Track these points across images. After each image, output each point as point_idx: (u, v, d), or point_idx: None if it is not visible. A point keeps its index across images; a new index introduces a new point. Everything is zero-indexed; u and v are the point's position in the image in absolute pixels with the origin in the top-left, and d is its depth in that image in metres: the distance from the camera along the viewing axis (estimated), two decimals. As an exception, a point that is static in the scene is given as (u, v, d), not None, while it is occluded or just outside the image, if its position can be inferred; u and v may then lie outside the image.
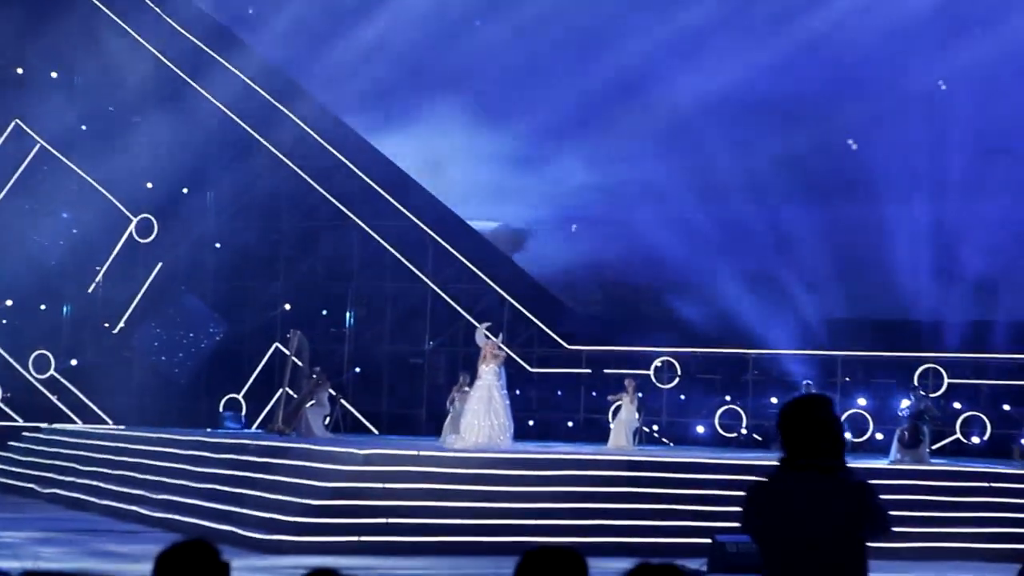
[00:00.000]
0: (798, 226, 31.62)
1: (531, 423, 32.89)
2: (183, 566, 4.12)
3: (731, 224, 32.64)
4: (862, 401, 32.07)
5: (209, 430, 31.41)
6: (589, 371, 34.10)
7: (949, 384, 31.51)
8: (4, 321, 36.65)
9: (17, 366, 36.33)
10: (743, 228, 32.41)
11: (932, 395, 29.99)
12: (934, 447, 27.90)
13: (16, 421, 34.88)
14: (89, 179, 36.46)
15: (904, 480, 23.46)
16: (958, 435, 31.31)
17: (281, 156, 35.42)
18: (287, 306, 36.24)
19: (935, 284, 30.63)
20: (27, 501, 27.72)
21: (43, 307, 36.92)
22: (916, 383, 29.99)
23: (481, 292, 34.77)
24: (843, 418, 31.37)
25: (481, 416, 25.59)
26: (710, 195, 32.90)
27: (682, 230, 32.04)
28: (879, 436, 30.65)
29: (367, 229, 35.34)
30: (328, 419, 29.40)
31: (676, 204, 32.52)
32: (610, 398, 29.65)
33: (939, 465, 25.62)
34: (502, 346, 26.60)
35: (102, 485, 26.13)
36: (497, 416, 25.67)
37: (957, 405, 31.70)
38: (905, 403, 27.03)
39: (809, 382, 28.54)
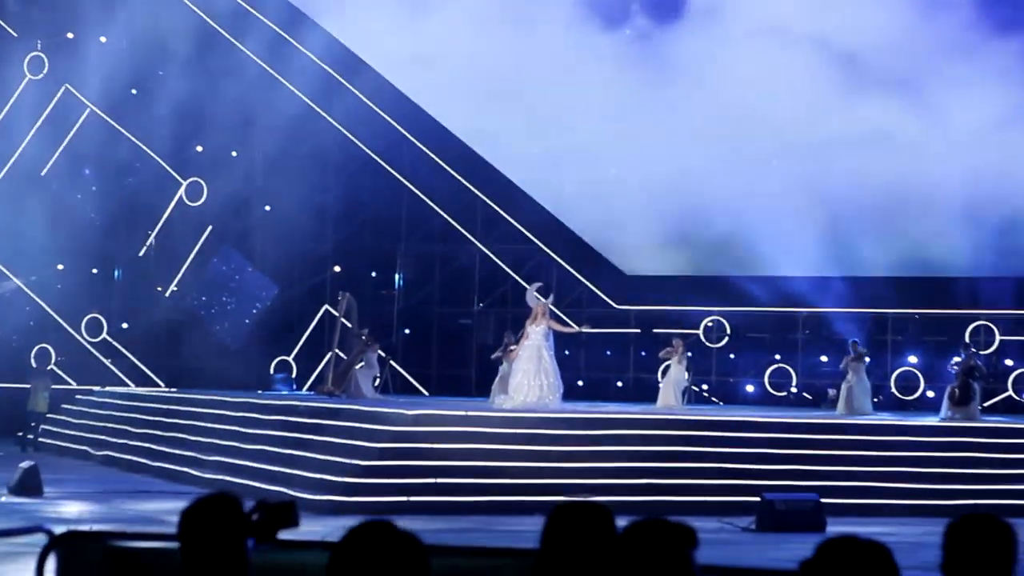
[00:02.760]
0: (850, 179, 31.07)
1: (580, 383, 32.93)
2: (207, 520, 4.12)
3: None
4: (913, 359, 31.91)
5: (260, 392, 31.60)
6: (638, 331, 34.06)
7: (1001, 341, 31.31)
8: (58, 286, 36.92)
9: (70, 329, 36.64)
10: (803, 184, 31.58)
11: (983, 352, 29.84)
12: (985, 404, 27.73)
13: (70, 384, 35.19)
14: (139, 143, 36.63)
15: (955, 437, 23.35)
16: (1010, 392, 31.13)
17: (330, 119, 35.44)
18: (336, 268, 36.37)
19: (987, 240, 30.28)
20: (81, 463, 28.00)
21: (95, 271, 37.17)
22: (968, 340, 29.81)
23: (529, 253, 34.74)
24: (893, 376, 31.52)
25: (531, 376, 25.56)
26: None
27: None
28: (930, 394, 30.51)
29: (416, 191, 35.38)
30: (377, 380, 29.49)
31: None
32: (661, 355, 29.51)
33: (990, 422, 25.47)
34: (562, 315, 26.52)
35: (154, 447, 26.37)
36: (547, 376, 25.64)
37: (1009, 362, 31.53)
38: (957, 360, 26.85)
39: (856, 340, 28.30)
